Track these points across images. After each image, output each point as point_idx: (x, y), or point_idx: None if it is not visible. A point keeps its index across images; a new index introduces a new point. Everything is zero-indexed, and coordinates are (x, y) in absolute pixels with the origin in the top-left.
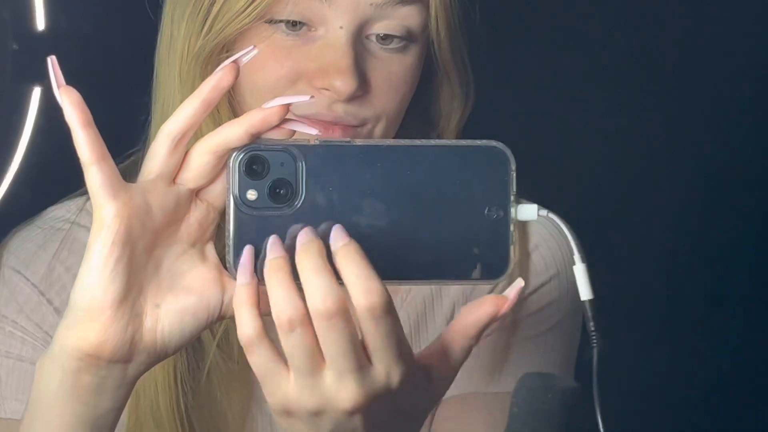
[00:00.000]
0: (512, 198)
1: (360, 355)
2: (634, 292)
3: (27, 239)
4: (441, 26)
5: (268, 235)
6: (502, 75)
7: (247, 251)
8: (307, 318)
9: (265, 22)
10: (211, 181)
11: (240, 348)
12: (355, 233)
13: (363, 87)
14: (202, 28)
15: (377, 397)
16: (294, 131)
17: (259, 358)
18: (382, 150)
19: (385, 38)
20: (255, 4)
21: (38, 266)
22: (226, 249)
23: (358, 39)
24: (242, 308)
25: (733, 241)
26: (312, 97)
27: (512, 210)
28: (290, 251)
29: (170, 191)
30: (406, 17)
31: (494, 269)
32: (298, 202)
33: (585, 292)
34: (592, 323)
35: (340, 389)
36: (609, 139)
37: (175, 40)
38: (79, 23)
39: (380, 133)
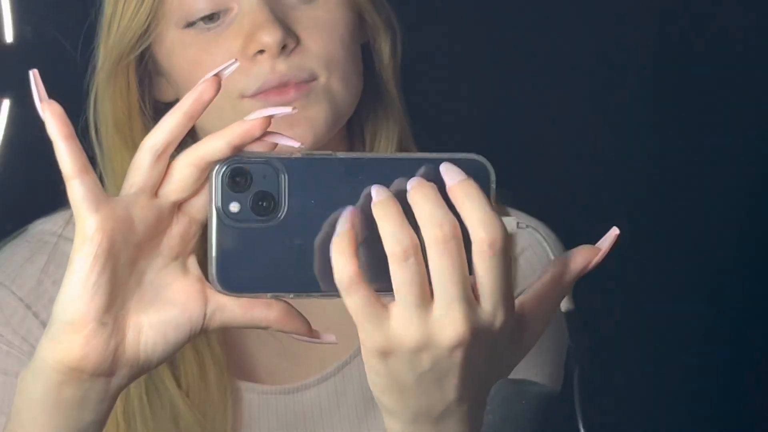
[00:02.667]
0: None
1: (469, 288)
2: (618, 293)
3: (14, 253)
4: None
5: (251, 247)
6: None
7: (351, 209)
8: (419, 248)
9: (183, 28)
10: (194, 194)
11: (219, 355)
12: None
13: (291, 36)
14: (111, 31)
15: (480, 336)
16: (276, 144)
17: (357, 297)
18: (365, 162)
19: None
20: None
21: (25, 279)
22: (209, 261)
23: (273, 2)
24: (340, 256)
25: (724, 244)
26: (294, 108)
27: None
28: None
29: (152, 204)
30: None
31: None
32: (281, 215)
33: (565, 303)
34: (571, 335)
35: (446, 322)
36: (595, 144)
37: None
38: (46, 34)
39: (339, 86)
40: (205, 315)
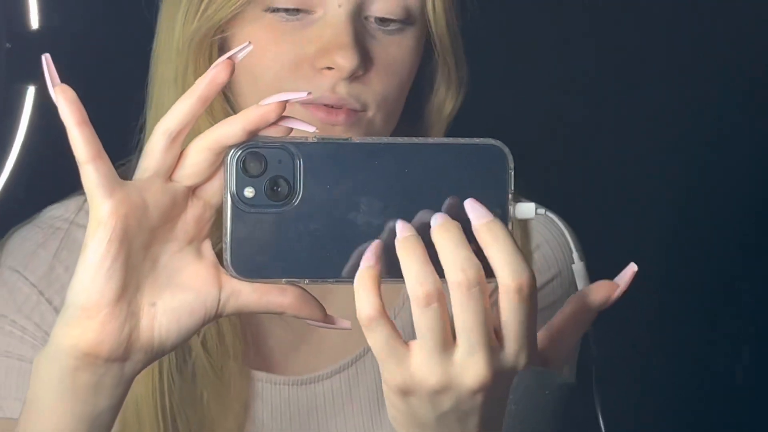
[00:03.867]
0: (510, 196)
1: (491, 332)
2: (634, 290)
3: (26, 239)
4: (438, 7)
5: (266, 232)
6: (500, 72)
7: (376, 243)
8: (443, 293)
9: (264, 10)
10: (208, 178)
11: (235, 346)
12: (351, 231)
13: (364, 64)
14: (197, 11)
15: (502, 379)
16: (291, 128)
17: (379, 336)
18: (380, 147)
19: (383, 21)
20: None
21: (37, 266)
22: (223, 246)
23: (357, 18)
24: (363, 290)
25: (733, 239)
26: (309, 93)
27: (510, 208)
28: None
29: (166, 189)
30: None
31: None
32: (296, 200)
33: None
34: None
35: (469, 366)
36: (609, 138)
37: (170, 36)
38: (72, 21)
39: (381, 122)
40: (219, 300)
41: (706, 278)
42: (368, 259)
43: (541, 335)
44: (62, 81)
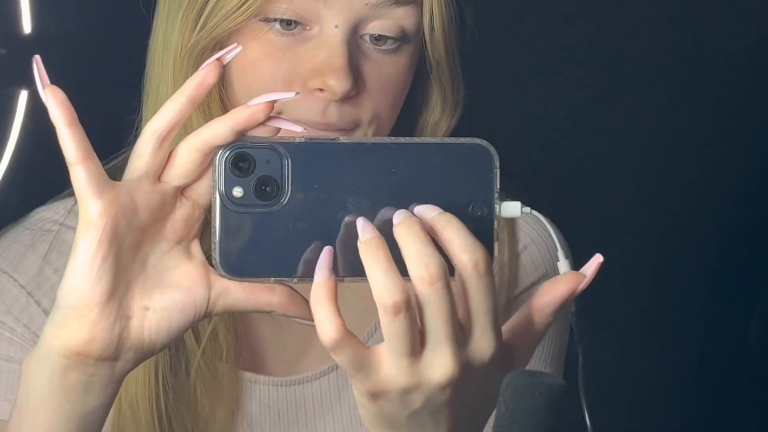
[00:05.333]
0: (496, 195)
1: (457, 325)
2: (621, 290)
3: (15, 240)
4: (437, 26)
5: (254, 232)
6: (486, 72)
7: (327, 250)
8: (411, 300)
9: (260, 20)
10: (197, 178)
11: (229, 347)
12: (339, 231)
13: (356, 87)
14: (196, 24)
15: (469, 371)
16: (279, 129)
17: (346, 357)
18: (368, 147)
19: (379, 39)
20: (249, 2)
21: (26, 267)
22: (212, 246)
23: (353, 38)
24: (321, 307)
25: (721, 238)
26: (297, 93)
27: (496, 207)
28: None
29: (156, 189)
30: (401, 17)
31: None
32: (284, 200)
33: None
34: (576, 319)
35: (436, 362)
36: (595, 137)
37: (168, 37)
38: (65, 26)
39: (371, 135)
40: (209, 299)
41: (694, 277)
42: (321, 273)
43: (507, 327)
44: (53, 83)
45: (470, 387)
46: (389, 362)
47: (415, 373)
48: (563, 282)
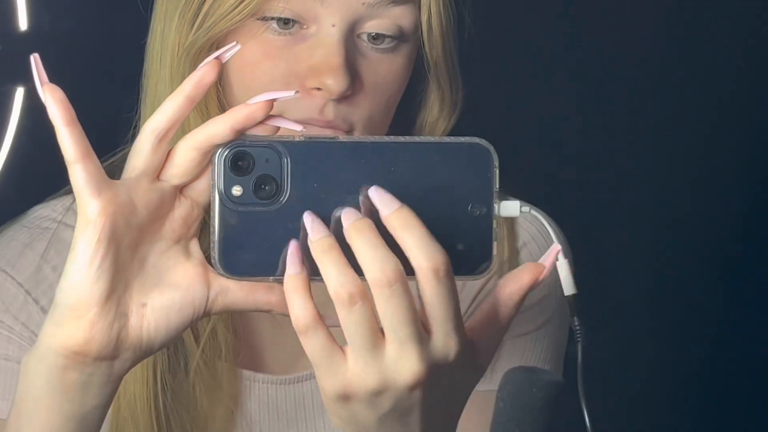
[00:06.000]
0: (495, 194)
1: (419, 325)
2: (621, 288)
3: (13, 238)
4: (435, 26)
5: (253, 231)
6: (485, 71)
7: (294, 244)
8: (366, 292)
9: (257, 19)
10: (196, 177)
11: (228, 345)
12: (338, 229)
13: (353, 86)
14: (193, 24)
15: (436, 370)
16: (278, 127)
17: (315, 343)
18: (367, 146)
19: (376, 38)
20: (246, 2)
21: (24, 265)
22: (211, 245)
23: (350, 37)
24: (294, 296)
25: (718, 237)
26: (297, 92)
27: (495, 206)
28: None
29: (154, 188)
30: (399, 17)
31: (478, 265)
32: (283, 198)
33: (568, 287)
34: (575, 318)
35: (401, 362)
36: (593, 135)
37: (165, 36)
38: (62, 22)
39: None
40: (207, 298)
41: (694, 277)
42: (294, 265)
43: (470, 324)
44: (51, 81)
45: (438, 386)
46: (354, 360)
47: (382, 374)
48: (524, 273)
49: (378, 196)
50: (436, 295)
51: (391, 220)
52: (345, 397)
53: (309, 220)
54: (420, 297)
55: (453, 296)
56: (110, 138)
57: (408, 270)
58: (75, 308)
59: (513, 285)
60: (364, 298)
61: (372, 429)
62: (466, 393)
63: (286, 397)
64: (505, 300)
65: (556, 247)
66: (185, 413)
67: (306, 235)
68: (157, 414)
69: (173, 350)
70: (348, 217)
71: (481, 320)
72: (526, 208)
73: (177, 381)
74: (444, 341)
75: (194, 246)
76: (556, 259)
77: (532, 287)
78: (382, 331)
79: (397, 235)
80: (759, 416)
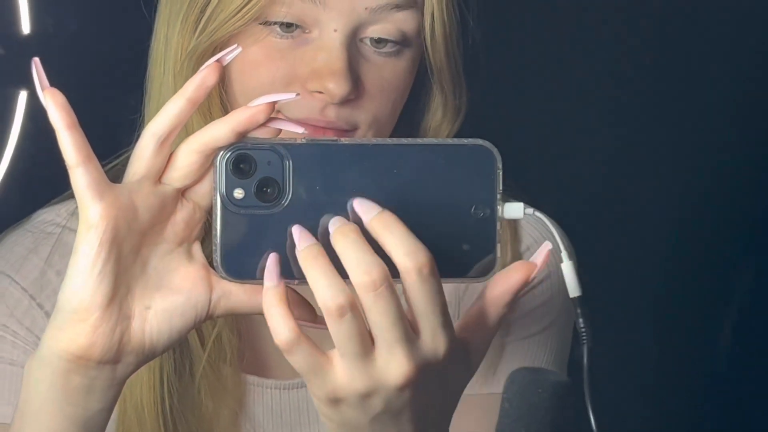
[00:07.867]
0: (498, 196)
1: (407, 326)
2: (626, 290)
3: (17, 243)
4: (438, 30)
5: (255, 234)
6: (488, 74)
7: (273, 256)
8: (355, 302)
9: (260, 23)
10: (198, 180)
11: (233, 350)
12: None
13: (356, 90)
14: (196, 28)
15: (425, 370)
16: (280, 130)
17: (300, 357)
18: (369, 149)
19: (379, 42)
20: (249, 6)
21: (28, 270)
22: (213, 248)
23: (352, 42)
24: (273, 310)
25: (724, 238)
26: (298, 94)
27: (498, 208)
28: (293, 248)
29: (156, 191)
30: (401, 21)
31: (481, 267)
32: (285, 201)
33: (573, 289)
34: (581, 320)
35: (390, 364)
36: (597, 138)
37: (169, 40)
38: (64, 26)
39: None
40: (210, 301)
41: (699, 277)
42: (271, 278)
43: (460, 323)
44: (53, 85)
45: (429, 386)
46: (343, 365)
47: (371, 376)
48: (515, 272)
49: (359, 204)
50: (422, 294)
51: (372, 223)
52: (335, 401)
53: (296, 230)
54: (406, 297)
55: (438, 294)
56: (112, 141)
57: (394, 273)
58: (77, 312)
59: (503, 284)
60: (354, 308)
61: (364, 431)
62: (458, 392)
63: (290, 402)
64: (495, 299)
65: (547, 245)
66: (191, 416)
67: (293, 244)
68: (163, 417)
69: (179, 354)
70: (334, 223)
71: (471, 319)
72: (530, 210)
73: (183, 384)
74: (432, 340)
75: (196, 249)
76: (548, 258)
77: (523, 286)
78: (370, 333)
79: (379, 237)
80: (763, 417)
